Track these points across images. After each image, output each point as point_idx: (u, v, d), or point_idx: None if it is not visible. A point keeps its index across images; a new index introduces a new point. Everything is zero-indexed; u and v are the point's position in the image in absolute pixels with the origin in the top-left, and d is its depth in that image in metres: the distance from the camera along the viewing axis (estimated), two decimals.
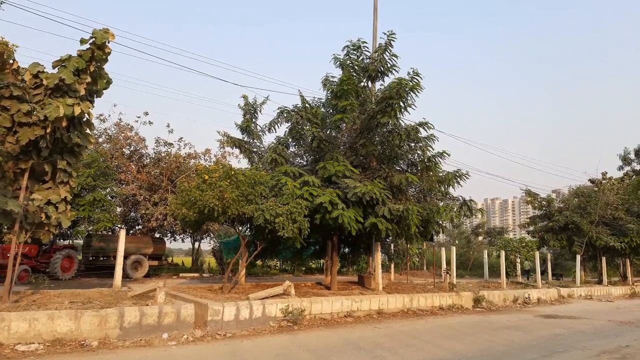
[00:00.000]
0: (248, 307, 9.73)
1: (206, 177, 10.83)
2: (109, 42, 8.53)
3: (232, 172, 11.12)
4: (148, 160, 21.63)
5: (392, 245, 21.69)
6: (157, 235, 21.76)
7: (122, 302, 9.15)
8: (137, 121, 21.79)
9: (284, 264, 27.36)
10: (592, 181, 29.04)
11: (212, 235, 25.68)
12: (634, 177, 30.54)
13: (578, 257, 24.15)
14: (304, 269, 26.46)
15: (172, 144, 22.22)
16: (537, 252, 22.98)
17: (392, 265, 22.62)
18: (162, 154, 21.68)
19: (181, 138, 22.59)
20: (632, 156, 32.34)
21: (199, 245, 27.92)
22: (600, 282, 25.27)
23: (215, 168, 11.53)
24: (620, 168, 32.91)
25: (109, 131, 21.27)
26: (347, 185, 11.51)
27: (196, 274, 21.67)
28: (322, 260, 22.97)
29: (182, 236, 24.25)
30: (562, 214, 25.16)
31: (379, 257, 14.74)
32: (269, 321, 9.96)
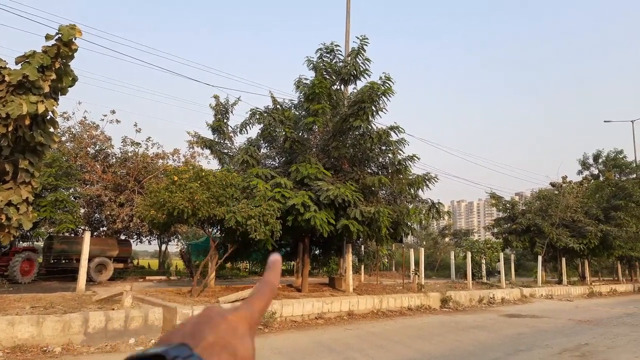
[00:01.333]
0: None
1: (175, 178, 10.64)
2: (75, 39, 8.25)
3: (203, 173, 10.96)
4: (114, 160, 21.01)
5: (362, 246, 21.89)
6: (122, 237, 21.16)
7: (86, 306, 8.87)
8: (103, 120, 21.16)
9: (255, 266, 27.15)
10: (553, 185, 30.18)
11: (180, 237, 25.17)
12: (592, 181, 31.99)
13: (540, 258, 25.03)
14: None
15: (139, 143, 21.66)
16: (502, 253, 23.70)
17: (362, 267, 22.83)
18: (129, 154, 21.10)
19: (149, 138, 22.04)
20: (591, 161, 33.86)
21: (166, 248, 27.36)
22: (560, 282, 26.27)
23: (185, 169, 11.35)
24: (580, 172, 34.40)
25: (73, 130, 20.55)
26: (319, 188, 11.56)
27: (163, 277, 21.19)
28: (293, 262, 22.91)
29: (148, 238, 23.66)
30: (525, 216, 26.01)
31: (349, 258, 14.85)
32: None
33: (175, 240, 25.54)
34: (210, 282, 13.12)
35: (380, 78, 12.62)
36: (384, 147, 13.80)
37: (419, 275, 17.37)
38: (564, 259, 26.51)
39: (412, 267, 18.84)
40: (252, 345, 0.48)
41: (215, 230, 13.76)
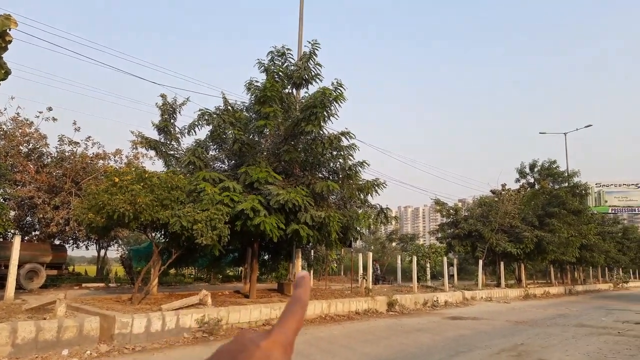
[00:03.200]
0: (160, 319, 9.20)
1: (116, 180, 10.12)
2: (10, 30, 7.63)
3: (146, 175, 10.51)
4: (49, 159, 19.69)
5: (312, 251, 21.89)
6: (57, 242, 19.84)
7: (15, 315, 8.22)
8: (38, 117, 19.76)
9: (200, 272, 26.37)
10: (493, 192, 31.71)
11: (120, 242, 23.97)
12: (529, 189, 33.93)
13: (480, 262, 26.15)
14: (221, 277, 25.70)
15: (78, 143, 20.44)
16: (445, 257, 24.55)
17: (312, 272, 22.83)
18: (67, 154, 19.86)
19: (89, 137, 20.86)
20: (528, 170, 35.91)
21: (105, 253, 25.92)
22: (498, 285, 27.58)
23: (127, 170, 10.83)
24: (517, 180, 36.38)
25: (4, 126, 19.05)
26: (269, 192, 11.41)
27: (102, 284, 20.06)
28: (240, 268, 22.50)
29: (86, 243, 22.32)
30: (467, 222, 27.07)
31: (299, 263, 14.77)
32: (183, 332, 9.50)
33: (115, 245, 24.29)
34: (152, 289, 12.57)
35: (332, 84, 12.70)
36: (335, 152, 13.86)
37: (366, 280, 17.60)
38: (502, 263, 27.86)
39: (361, 271, 19.03)
40: None
41: (158, 235, 13.21)
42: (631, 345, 9.93)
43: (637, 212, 52.00)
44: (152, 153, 14.65)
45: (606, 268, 46.05)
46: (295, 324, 0.51)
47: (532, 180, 35.47)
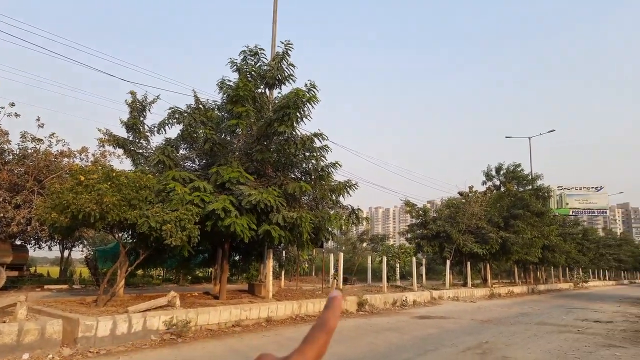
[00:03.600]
0: (127, 321, 9.00)
1: (82, 179, 9.83)
2: None
3: (114, 174, 10.26)
4: (11, 156, 18.91)
5: (283, 252, 21.84)
6: (18, 242, 19.07)
7: None
8: None
9: (169, 273, 25.86)
10: (461, 194, 32.48)
11: (85, 242, 23.27)
12: (495, 191, 34.94)
13: (448, 262, 26.74)
14: (190, 278, 25.29)
15: (41, 139, 19.70)
16: (414, 257, 24.97)
17: (283, 272, 22.77)
18: (29, 151, 19.12)
19: (53, 134, 20.14)
20: (494, 173, 36.99)
21: (70, 254, 25.09)
22: (465, 284, 28.27)
23: (94, 169, 10.54)
24: (484, 183, 37.38)
25: None
26: (241, 192, 11.33)
27: (65, 286, 19.41)
28: (210, 269, 22.22)
29: (49, 243, 21.55)
30: (435, 223, 27.64)
31: (270, 264, 14.73)
32: (151, 335, 9.32)
33: (80, 246, 23.54)
34: (119, 290, 12.27)
35: (306, 85, 12.73)
36: (307, 154, 13.89)
37: (337, 280, 17.71)
38: (469, 263, 28.57)
39: (332, 271, 19.15)
40: None
41: (126, 236, 12.91)
42: (590, 342, 10.40)
43: (596, 214, 54.38)
44: (120, 151, 14.29)
45: (567, 268, 47.90)
46: (316, 352, 0.46)
47: (498, 183, 36.51)
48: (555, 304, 23.24)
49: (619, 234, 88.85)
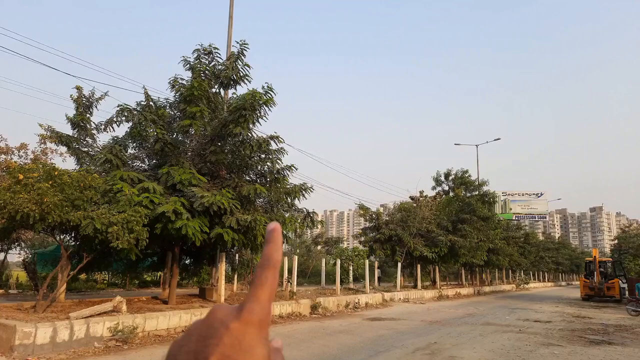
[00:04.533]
0: (68, 328, 8.52)
1: (20, 177, 9.24)
2: None
3: (56, 173, 9.71)
4: None
5: (237, 255, 21.49)
6: None
7: None
8: None
9: (115, 277, 24.76)
10: (412, 198, 33.38)
11: (23, 244, 21.85)
12: (444, 196, 36.17)
13: (399, 265, 27.35)
14: (138, 282, 24.34)
15: None
16: (367, 260, 25.34)
17: (236, 276, 22.39)
18: None
19: None
20: (443, 178, 38.31)
21: (5, 257, 23.43)
22: (415, 286, 29.01)
23: (34, 167, 9.94)
24: (434, 188, 38.64)
25: None
26: (193, 194, 11.04)
27: (0, 291, 18.14)
28: (160, 273, 21.49)
29: None
30: (387, 226, 28.17)
31: (223, 267, 14.44)
32: (94, 342, 8.88)
33: (18, 248, 22.06)
34: (59, 295, 11.60)
35: (263, 87, 12.62)
36: (263, 156, 13.78)
37: (291, 283, 17.64)
38: (419, 266, 29.36)
39: (286, 274, 19.05)
40: (262, 353, 0.41)
41: (68, 238, 12.24)
42: (530, 341, 10.97)
43: (537, 219, 57.64)
44: (63, 149, 13.54)
45: (510, 270, 50.29)
46: (268, 291, 0.45)
47: (447, 188, 37.80)
48: (499, 304, 24.34)
49: (557, 238, 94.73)
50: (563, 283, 72.79)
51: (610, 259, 34.36)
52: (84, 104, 13.20)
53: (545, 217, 57.66)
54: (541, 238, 68.81)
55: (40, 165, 10.23)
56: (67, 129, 13.32)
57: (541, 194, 53.18)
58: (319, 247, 43.13)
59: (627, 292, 25.45)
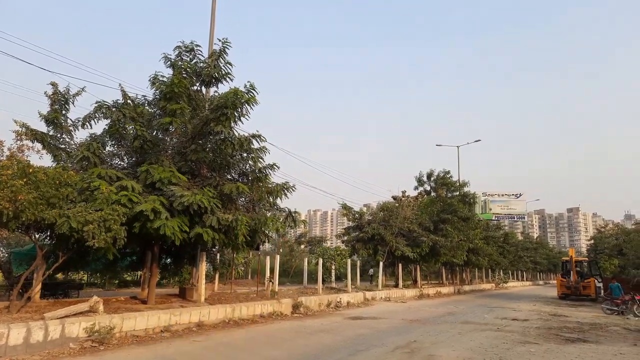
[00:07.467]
0: (43, 328, 8.34)
1: None
2: None
3: (30, 170, 9.48)
4: None
5: (218, 254, 21.32)
6: None
7: None
8: None
9: (93, 276, 24.28)
10: (394, 198, 33.62)
11: None
12: (426, 196, 36.52)
13: (381, 264, 27.53)
14: (117, 282, 23.93)
15: None
16: (349, 259, 25.42)
17: (217, 275, 22.20)
18: None
19: None
20: (425, 179, 38.67)
21: None
22: (397, 285, 29.25)
23: (8, 164, 9.67)
24: (416, 188, 38.95)
25: None
26: (173, 193, 10.90)
27: None
28: (139, 272, 21.15)
29: None
30: (370, 226, 28.32)
31: (203, 267, 14.31)
32: (70, 343, 8.70)
33: None
34: (34, 295, 11.34)
35: (245, 86, 12.52)
36: (245, 154, 13.67)
37: (273, 282, 17.58)
38: (400, 265, 29.61)
39: (268, 274, 18.97)
40: None
41: (43, 237, 11.96)
42: (507, 340, 11.15)
43: (516, 219, 58.77)
44: (39, 146, 13.21)
45: (489, 269, 51.12)
46: None
47: (429, 188, 38.16)
48: (479, 303, 24.72)
49: (535, 238, 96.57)
50: (541, 282, 74.30)
51: (587, 259, 35.24)
52: (60, 101, 12.90)
53: (524, 218, 58.79)
54: (520, 238, 70.09)
55: (15, 162, 9.96)
56: (42, 126, 13.01)
57: (520, 195, 54.20)
58: (302, 247, 43.10)
59: (602, 291, 26.16)
